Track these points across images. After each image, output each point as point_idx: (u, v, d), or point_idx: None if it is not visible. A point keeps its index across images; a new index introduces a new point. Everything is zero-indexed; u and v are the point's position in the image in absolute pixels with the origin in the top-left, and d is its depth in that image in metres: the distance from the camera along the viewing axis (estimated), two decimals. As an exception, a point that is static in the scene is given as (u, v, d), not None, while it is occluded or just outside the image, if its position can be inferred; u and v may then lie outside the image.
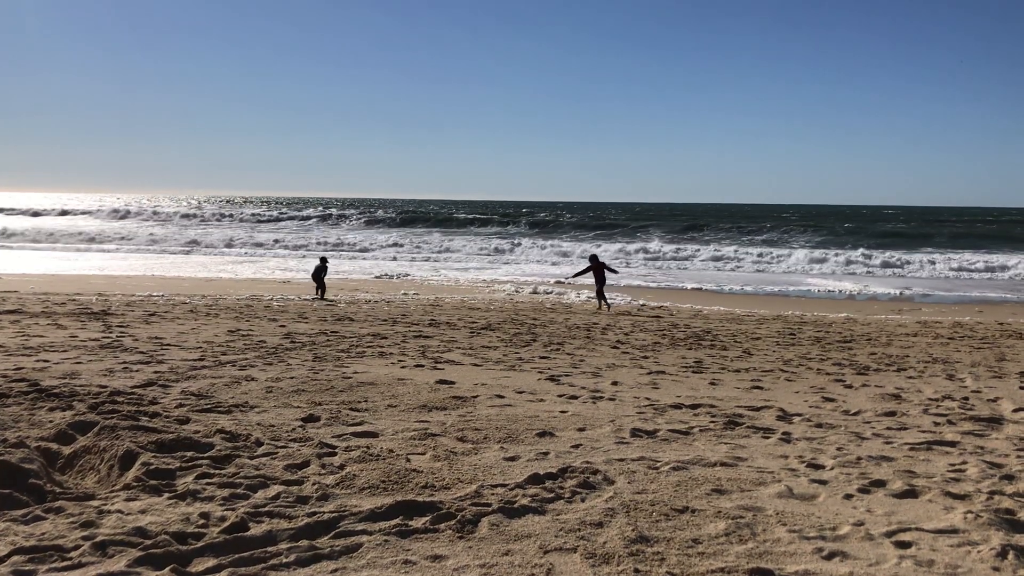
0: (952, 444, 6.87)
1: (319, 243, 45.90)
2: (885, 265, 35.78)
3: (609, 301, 19.71)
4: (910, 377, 10.39)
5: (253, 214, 75.99)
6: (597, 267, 19.82)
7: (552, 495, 5.23)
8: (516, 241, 48.16)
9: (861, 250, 43.64)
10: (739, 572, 4.12)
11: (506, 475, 5.63)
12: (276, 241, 47.27)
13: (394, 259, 39.68)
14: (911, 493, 5.51)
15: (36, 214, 77.42)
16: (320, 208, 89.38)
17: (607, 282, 20.22)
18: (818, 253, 41.51)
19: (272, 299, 19.27)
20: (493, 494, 5.19)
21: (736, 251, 43.29)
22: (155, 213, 74.27)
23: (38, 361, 9.44)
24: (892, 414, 8.06)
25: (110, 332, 12.20)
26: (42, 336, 11.51)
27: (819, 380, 10.02)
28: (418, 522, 4.67)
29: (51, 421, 6.47)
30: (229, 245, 45.56)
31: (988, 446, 6.85)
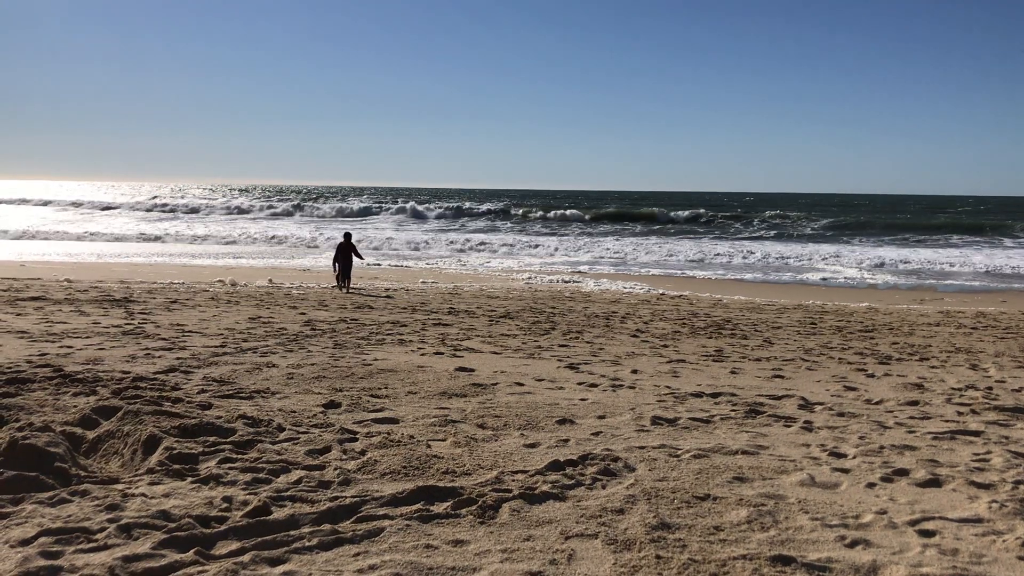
0: (976, 434, 6.81)
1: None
2: (900, 260, 35.47)
3: (351, 284, 19.89)
4: (933, 367, 10.30)
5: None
6: (345, 247, 20.11)
7: (573, 482, 5.23)
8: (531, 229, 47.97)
9: (877, 239, 43.35)
10: (761, 559, 4.10)
11: (526, 462, 5.64)
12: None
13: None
14: (934, 482, 5.47)
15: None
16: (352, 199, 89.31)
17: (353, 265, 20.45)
18: (831, 245, 41.23)
19: (292, 287, 19.35)
20: (514, 480, 5.20)
21: (749, 240, 43.07)
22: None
23: (62, 347, 9.53)
24: (915, 403, 8.01)
25: (132, 319, 12.30)
26: (65, 322, 11.62)
27: (841, 369, 9.96)
28: (439, 507, 4.69)
29: (75, 406, 6.53)
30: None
31: (1013, 436, 6.78)
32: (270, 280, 20.92)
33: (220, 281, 19.96)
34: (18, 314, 12.30)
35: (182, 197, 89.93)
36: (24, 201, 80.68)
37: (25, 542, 4.03)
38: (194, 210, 70.68)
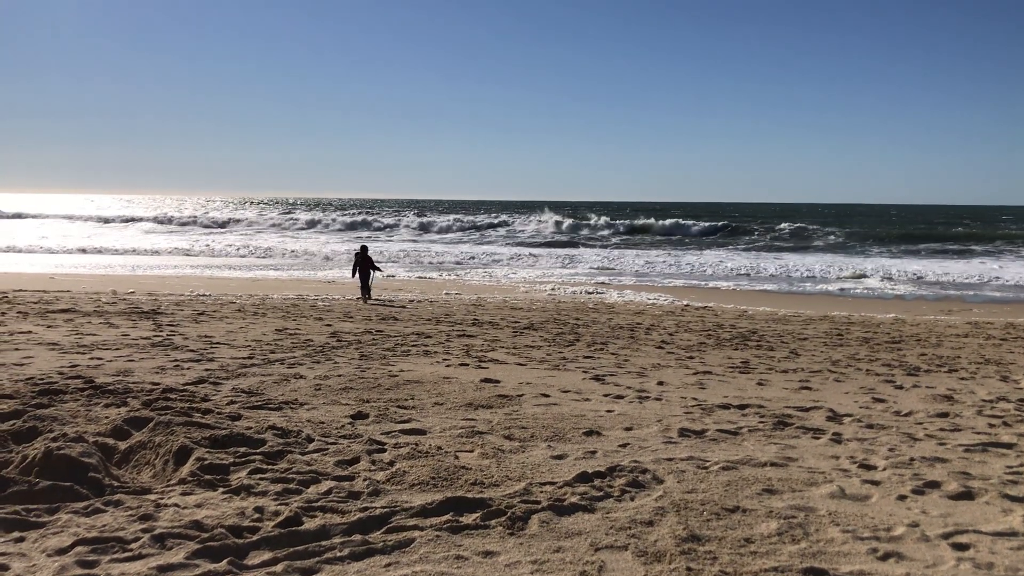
0: (1008, 446, 6.73)
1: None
2: (924, 270, 35.15)
3: (372, 295, 20.14)
4: (962, 378, 10.20)
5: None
6: (362, 260, 20.46)
7: (601, 493, 5.23)
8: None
9: (900, 250, 42.97)
10: (793, 572, 4.08)
11: (554, 473, 5.64)
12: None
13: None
14: (967, 495, 5.42)
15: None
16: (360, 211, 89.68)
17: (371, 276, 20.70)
18: (854, 256, 40.87)
19: (317, 299, 19.47)
20: (542, 492, 5.21)
21: (772, 250, 42.82)
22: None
23: (92, 359, 9.64)
24: (945, 415, 7.93)
25: (161, 331, 12.42)
26: (95, 334, 11.75)
27: (868, 381, 9.88)
28: (468, 518, 4.70)
29: (107, 417, 6.61)
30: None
31: (1046, 448, 6.70)
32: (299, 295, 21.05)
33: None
34: (49, 326, 12.46)
35: (205, 211, 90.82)
36: (46, 216, 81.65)
37: (62, 551, 4.09)
38: (217, 223, 71.24)
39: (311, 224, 70.46)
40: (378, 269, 21.39)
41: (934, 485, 5.60)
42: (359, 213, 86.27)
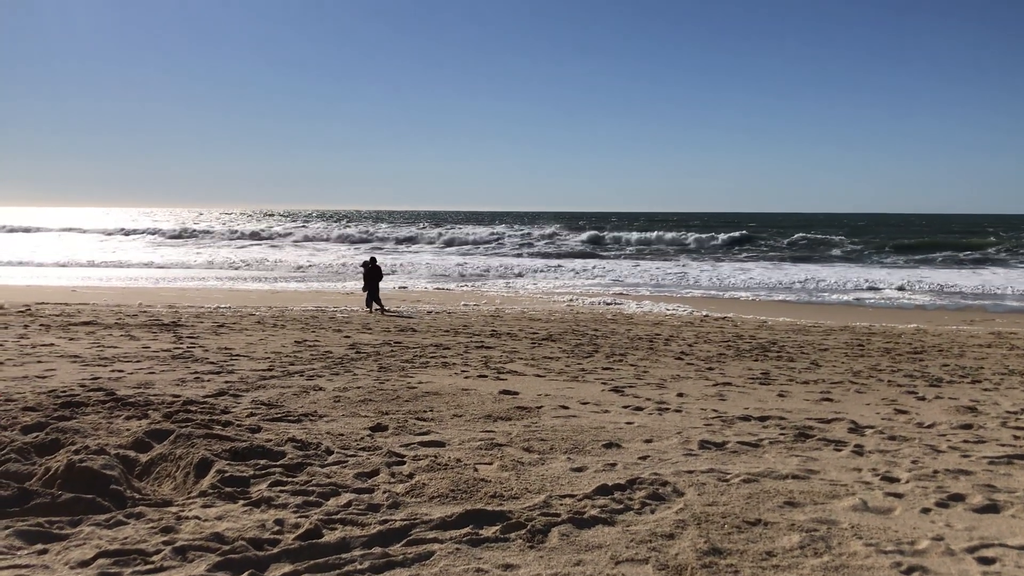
0: (1034, 458, 6.65)
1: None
2: (944, 280, 34.84)
3: (384, 305, 20.33)
4: (986, 389, 10.09)
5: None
6: (371, 272, 20.60)
7: (621, 506, 5.20)
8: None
9: (918, 259, 42.66)
10: (816, 586, 4.04)
11: (574, 486, 5.62)
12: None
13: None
14: (992, 508, 5.35)
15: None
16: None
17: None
18: (872, 266, 40.58)
19: (336, 311, 19.54)
20: (562, 504, 5.19)
21: (789, 261, 42.64)
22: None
23: (113, 371, 9.72)
24: (968, 427, 7.85)
25: (181, 343, 12.50)
26: (116, 347, 11.84)
27: (890, 392, 9.80)
28: (488, 531, 4.69)
29: (128, 429, 6.65)
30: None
31: (1072, 460, 6.61)
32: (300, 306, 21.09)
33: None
34: (71, 339, 12.57)
35: (224, 223, 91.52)
36: (65, 229, 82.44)
37: (84, 563, 4.11)
38: (236, 236, 71.72)
39: (329, 236, 70.73)
40: (380, 278, 21.37)
41: (958, 498, 5.54)
42: (376, 224, 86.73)
